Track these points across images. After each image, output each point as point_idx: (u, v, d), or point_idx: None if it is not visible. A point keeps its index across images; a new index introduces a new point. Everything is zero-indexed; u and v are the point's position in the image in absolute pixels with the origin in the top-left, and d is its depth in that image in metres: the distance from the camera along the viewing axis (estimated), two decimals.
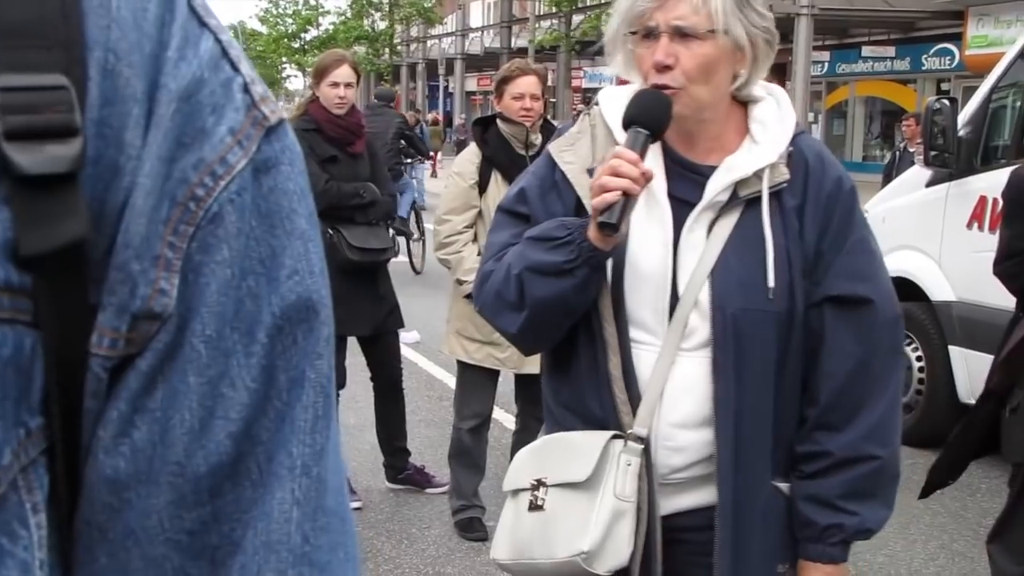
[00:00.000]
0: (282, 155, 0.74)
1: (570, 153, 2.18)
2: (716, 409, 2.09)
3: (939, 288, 6.72)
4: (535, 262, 2.07)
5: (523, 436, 5.44)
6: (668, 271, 2.10)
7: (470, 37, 50.07)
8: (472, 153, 5.18)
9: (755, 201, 2.09)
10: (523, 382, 5.29)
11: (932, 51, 28.79)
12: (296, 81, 61.35)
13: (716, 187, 2.09)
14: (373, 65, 44.92)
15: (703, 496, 2.16)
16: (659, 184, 2.11)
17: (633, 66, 2.12)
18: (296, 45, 46.83)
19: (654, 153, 2.11)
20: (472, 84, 54.15)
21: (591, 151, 2.16)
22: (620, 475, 2.09)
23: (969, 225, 6.27)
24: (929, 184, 6.81)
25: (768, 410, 2.11)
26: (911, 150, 11.66)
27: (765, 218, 2.07)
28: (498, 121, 5.11)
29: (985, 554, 4.30)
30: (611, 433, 2.11)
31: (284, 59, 50.10)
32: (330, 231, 5.33)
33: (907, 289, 7.02)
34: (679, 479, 2.16)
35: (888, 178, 11.46)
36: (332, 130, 5.43)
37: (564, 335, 2.17)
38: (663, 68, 2.03)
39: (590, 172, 2.09)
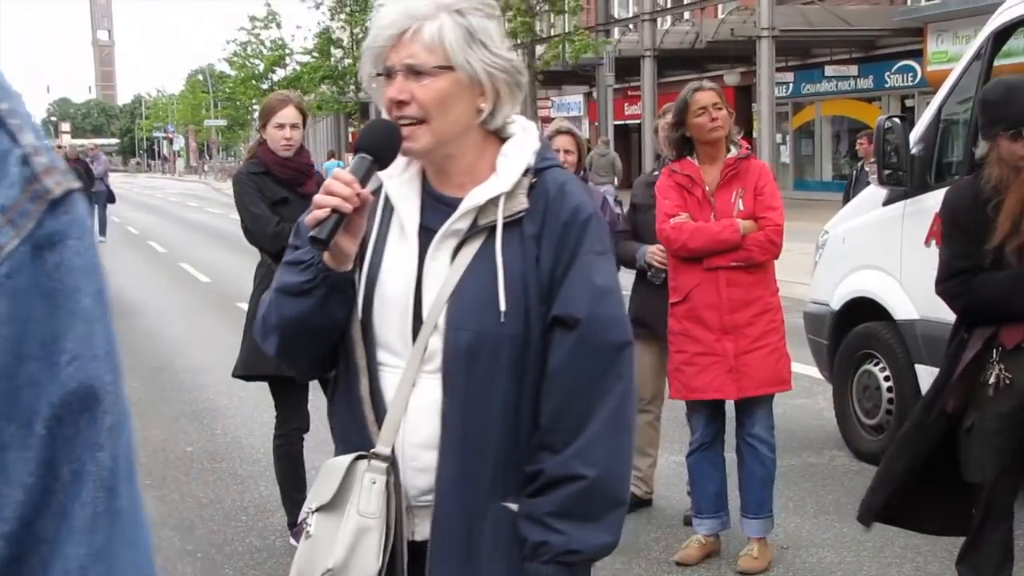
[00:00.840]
0: (70, 229, 0.70)
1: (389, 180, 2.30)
2: (443, 433, 2.16)
3: (902, 307, 6.69)
4: (283, 283, 2.20)
5: None
6: (411, 295, 2.19)
7: None
8: None
9: (496, 229, 2.19)
10: None
11: (894, 68, 29.01)
12: None
13: (455, 215, 2.19)
14: (339, 104, 44.86)
15: None
16: (411, 215, 2.23)
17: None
18: (265, 86, 46.74)
19: (412, 187, 2.25)
20: None
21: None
22: (364, 493, 2.17)
23: (927, 243, 6.23)
24: (886, 203, 6.78)
25: (497, 430, 2.17)
26: (867, 169, 11.68)
27: (497, 244, 2.17)
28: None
29: None
30: (355, 454, 2.19)
31: (253, 100, 50.03)
32: None
33: (871, 309, 7.03)
34: (427, 501, 2.20)
35: (847, 197, 11.48)
36: (281, 172, 5.41)
37: (319, 360, 2.31)
38: (399, 104, 2.13)
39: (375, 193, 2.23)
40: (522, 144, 2.25)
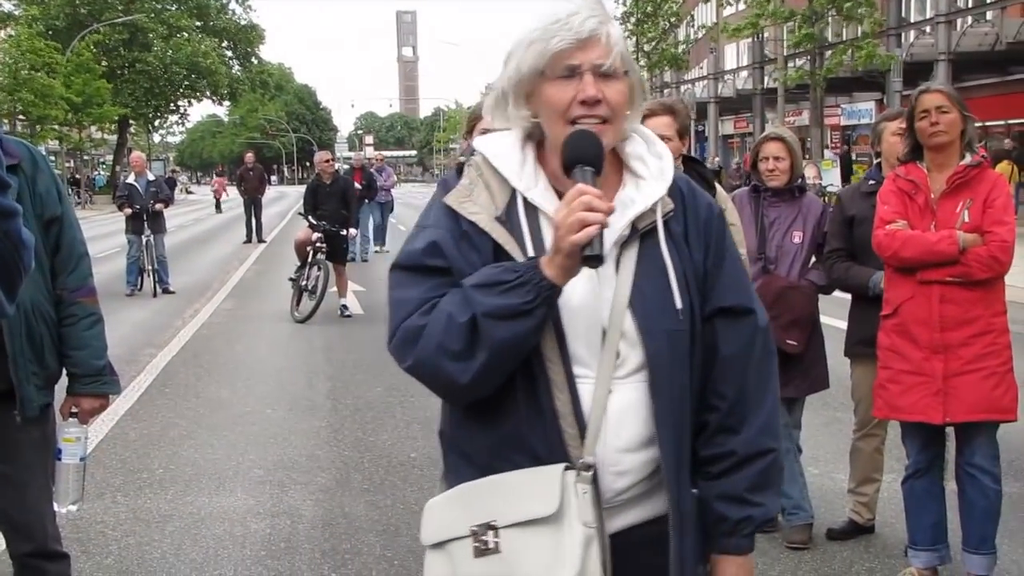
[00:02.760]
0: None
1: (471, 204, 2.25)
2: (659, 429, 2.23)
3: None
4: (493, 307, 2.10)
5: None
6: (597, 305, 2.21)
7: (724, 80, 49.58)
8: None
9: (649, 231, 2.26)
10: None
11: None
12: None
13: (621, 223, 2.22)
14: None
15: (641, 512, 2.31)
16: None
17: (534, 109, 2.24)
18: None
19: (551, 197, 2.25)
20: (728, 127, 53.62)
21: (490, 199, 2.26)
22: (581, 504, 2.17)
23: None
24: None
25: (689, 422, 2.30)
26: None
27: (663, 246, 2.26)
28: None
29: None
30: (562, 466, 2.18)
31: None
32: None
33: None
34: (620, 500, 2.27)
35: None
36: None
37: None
38: (594, 102, 2.17)
39: (498, 220, 2.22)
40: (652, 147, 2.32)
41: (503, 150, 2.28)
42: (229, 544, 5.87)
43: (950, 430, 4.96)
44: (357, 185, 22.18)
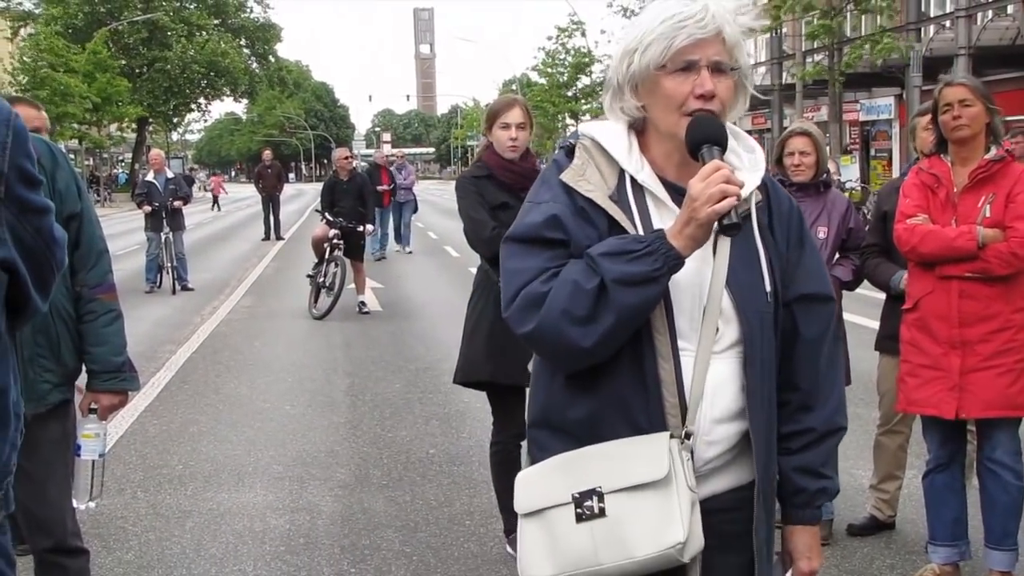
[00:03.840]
0: None
1: (585, 183, 2.38)
2: (749, 401, 2.38)
3: None
4: (623, 273, 2.23)
5: None
6: (705, 282, 2.35)
7: None
8: None
9: (743, 219, 2.34)
10: None
11: None
12: (572, 129, 62.16)
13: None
14: None
15: (723, 482, 2.42)
16: (674, 207, 2.36)
17: (650, 100, 2.36)
18: (569, 94, 47.41)
19: (656, 180, 2.40)
20: (746, 123, 53.47)
21: (602, 179, 2.39)
22: (687, 469, 2.29)
23: None
24: None
25: (775, 398, 2.46)
26: None
27: (756, 233, 2.42)
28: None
29: None
30: (667, 433, 2.30)
31: (558, 109, 50.86)
32: (498, 281, 5.23)
33: None
34: (707, 469, 2.38)
35: None
36: (504, 176, 5.35)
37: None
38: (710, 96, 2.30)
39: (611, 198, 2.35)
40: (741, 141, 2.45)
41: (612, 135, 2.42)
42: (249, 540, 5.88)
43: (972, 426, 4.92)
44: (384, 185, 22.21)
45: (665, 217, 2.35)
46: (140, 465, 7.37)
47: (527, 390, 5.12)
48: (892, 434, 5.81)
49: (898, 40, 30.59)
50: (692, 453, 2.32)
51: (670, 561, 2.27)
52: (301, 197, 61.97)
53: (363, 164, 23.01)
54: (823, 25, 30.21)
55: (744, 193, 2.30)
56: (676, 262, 2.24)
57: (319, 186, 16.17)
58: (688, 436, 2.31)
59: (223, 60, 65.78)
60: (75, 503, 3.95)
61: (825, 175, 5.81)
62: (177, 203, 17.38)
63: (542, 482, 2.38)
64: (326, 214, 14.65)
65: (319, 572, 5.41)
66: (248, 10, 72.37)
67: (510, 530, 5.54)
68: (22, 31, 57.78)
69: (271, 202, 29.26)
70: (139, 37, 63.72)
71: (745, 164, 2.41)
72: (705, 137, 2.29)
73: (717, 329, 2.34)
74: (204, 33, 66.37)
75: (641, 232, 2.31)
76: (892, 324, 5.50)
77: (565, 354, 2.31)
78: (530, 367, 2.60)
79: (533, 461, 2.44)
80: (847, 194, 23.33)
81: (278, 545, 5.79)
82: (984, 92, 4.73)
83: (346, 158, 15.33)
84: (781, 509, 2.57)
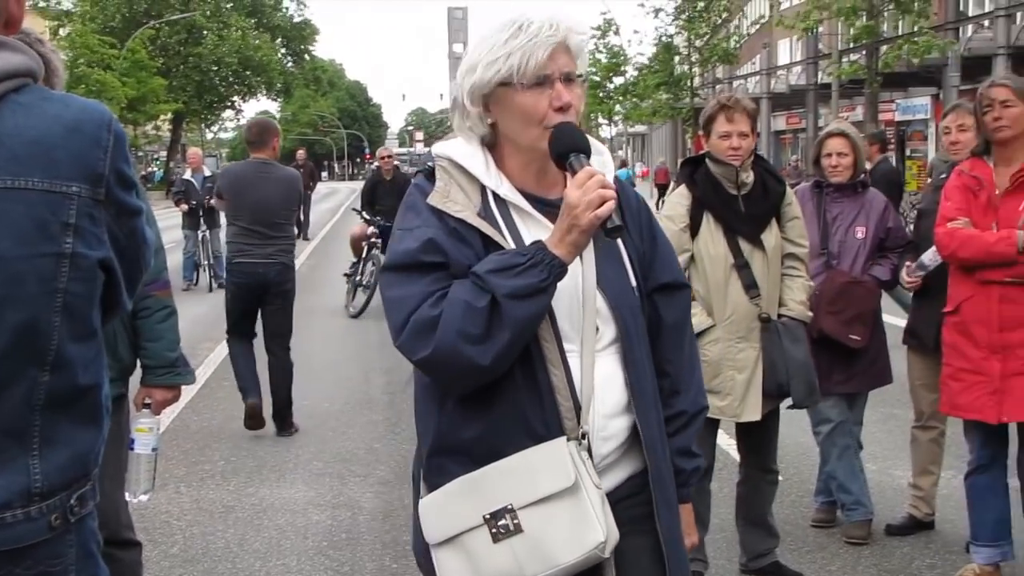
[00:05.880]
0: None
1: (452, 203, 2.40)
2: (635, 392, 2.46)
3: None
4: (514, 287, 2.26)
5: (747, 487, 5.19)
6: (578, 284, 2.41)
7: (776, 75, 49.21)
8: (681, 195, 5.00)
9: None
10: (745, 431, 5.05)
11: None
12: (605, 129, 61.97)
13: None
14: (674, 110, 44.87)
15: (622, 471, 2.51)
16: (541, 217, 2.43)
17: (504, 115, 2.40)
18: (601, 94, 47.24)
19: (516, 192, 2.45)
20: (780, 123, 53.23)
21: (467, 198, 2.42)
22: (588, 469, 2.35)
23: None
24: None
25: (656, 386, 2.56)
26: None
27: None
28: (707, 161, 4.93)
29: None
30: (563, 439, 2.34)
31: (588, 109, 50.75)
32: None
33: None
34: (605, 464, 2.46)
35: None
36: None
37: None
38: (567, 108, 2.36)
39: (479, 215, 2.39)
40: (593, 143, 2.47)
41: (467, 153, 2.46)
42: (292, 535, 5.95)
43: (1014, 426, 4.93)
44: None
45: (532, 228, 2.41)
46: (183, 461, 7.46)
47: None
48: (925, 429, 5.83)
49: (936, 39, 30.34)
50: (590, 451, 2.38)
51: (594, 560, 2.33)
52: (334, 195, 62.18)
53: (400, 162, 22.77)
54: (867, 27, 29.99)
55: None
56: (561, 270, 2.29)
57: (352, 184, 16.25)
58: (583, 436, 2.37)
59: (256, 55, 66.08)
60: (128, 496, 4.03)
61: (863, 175, 5.82)
62: (214, 201, 17.49)
63: (449, 508, 2.39)
64: (363, 213, 14.73)
65: (362, 567, 5.47)
66: (284, 9, 72.72)
67: None
68: (61, 31, 58.21)
69: (303, 201, 29.22)
70: (178, 37, 64.12)
71: (597, 167, 2.41)
72: (570, 146, 2.34)
73: (597, 328, 2.42)
74: (238, 30, 66.64)
75: (512, 246, 2.36)
76: (913, 320, 5.57)
77: (464, 374, 2.32)
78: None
79: (431, 488, 2.44)
80: None
81: (320, 540, 5.86)
82: None
83: (389, 156, 15.44)
84: None
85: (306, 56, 75.94)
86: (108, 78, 48.54)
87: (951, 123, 5.73)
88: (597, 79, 45.90)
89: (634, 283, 2.51)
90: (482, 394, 2.37)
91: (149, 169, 73.35)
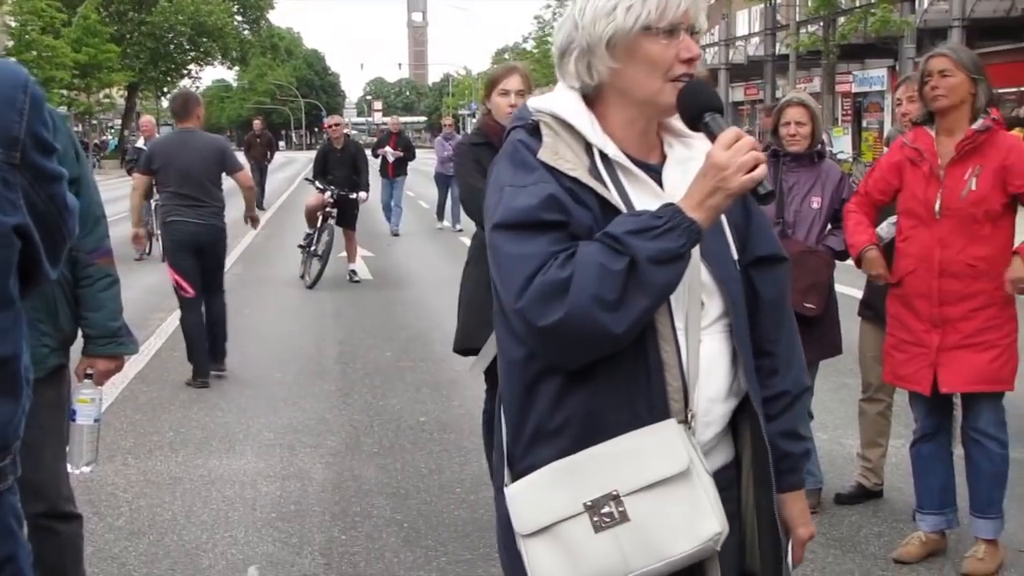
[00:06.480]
0: None
1: (564, 161, 2.21)
2: (746, 374, 2.30)
3: None
4: (656, 252, 2.08)
5: None
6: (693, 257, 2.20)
7: (735, 46, 49.28)
8: None
9: None
10: None
11: None
12: None
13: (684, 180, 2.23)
14: None
15: (715, 461, 2.30)
16: (651, 182, 2.27)
17: (627, 64, 2.21)
18: None
19: (620, 152, 2.25)
20: (739, 94, 53.35)
21: (575, 155, 2.23)
22: (699, 455, 2.18)
23: None
24: None
25: (754, 366, 2.37)
26: None
27: None
28: None
29: None
30: (674, 420, 2.16)
31: (548, 80, 50.60)
32: None
33: None
34: (704, 451, 2.24)
35: None
36: (501, 144, 5.36)
37: None
38: (692, 62, 2.22)
39: (590, 173, 2.21)
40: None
41: (573, 108, 2.26)
42: (240, 506, 5.91)
43: (958, 397, 4.97)
44: (392, 151, 21.56)
45: (640, 192, 2.23)
46: (131, 432, 7.38)
47: None
48: (872, 402, 5.87)
49: (892, 12, 30.47)
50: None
51: (707, 553, 2.15)
52: (292, 165, 61.77)
53: (353, 132, 22.35)
54: (825, 1, 30.09)
55: (697, 165, 2.22)
56: (698, 236, 2.12)
57: (310, 154, 16.10)
58: (691, 419, 2.19)
59: (209, 20, 65.29)
60: (70, 468, 3.96)
61: (820, 145, 5.82)
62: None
63: (542, 496, 2.18)
64: (317, 182, 14.61)
65: (310, 539, 5.43)
66: None
67: None
68: None
69: (260, 172, 28.95)
70: (131, 3, 63.26)
71: (689, 132, 2.32)
72: (706, 104, 2.21)
73: (702, 304, 2.24)
74: None
75: (624, 209, 2.18)
76: (870, 292, 5.59)
77: (592, 344, 2.11)
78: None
79: (519, 475, 2.24)
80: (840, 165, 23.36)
81: (269, 512, 5.82)
82: (969, 62, 4.70)
83: (337, 125, 15.23)
84: None
85: (262, 23, 75.12)
86: (59, 44, 47.84)
87: (903, 94, 5.77)
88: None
89: (735, 255, 2.34)
90: (585, 372, 2.17)
91: (103, 137, 72.52)
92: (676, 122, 2.31)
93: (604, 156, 2.23)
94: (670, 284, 2.11)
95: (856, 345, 5.94)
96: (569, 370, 2.18)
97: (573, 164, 2.20)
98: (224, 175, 9.27)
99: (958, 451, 5.06)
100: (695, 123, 2.23)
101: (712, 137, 2.18)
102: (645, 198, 2.21)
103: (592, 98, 2.29)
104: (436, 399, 8.17)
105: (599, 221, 2.16)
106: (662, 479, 2.11)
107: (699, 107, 2.21)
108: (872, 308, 5.61)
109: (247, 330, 11.24)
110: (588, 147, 2.24)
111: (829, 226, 5.71)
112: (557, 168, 2.19)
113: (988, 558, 4.87)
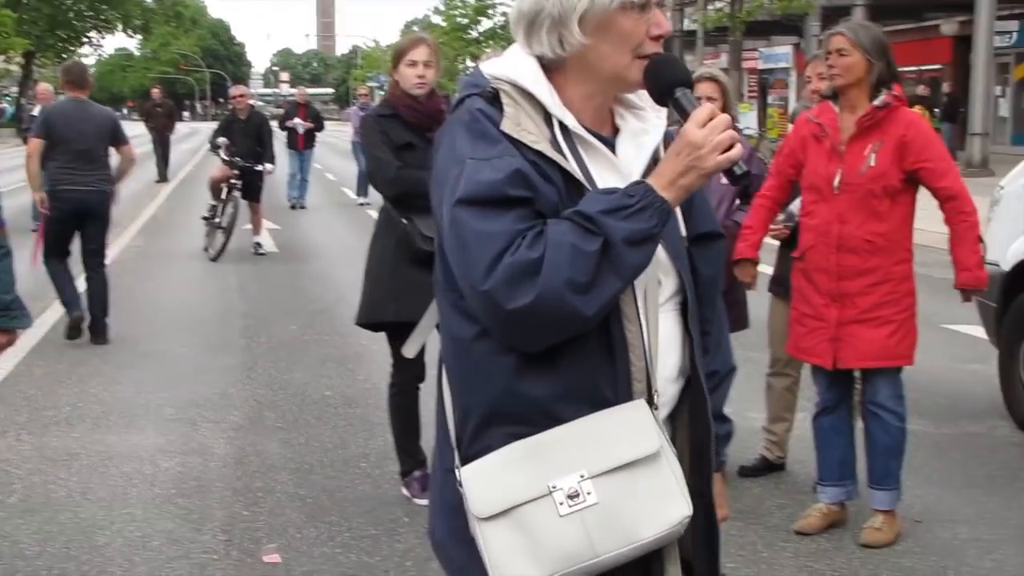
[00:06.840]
0: None
1: (527, 133, 2.09)
2: (695, 353, 2.23)
3: None
4: (630, 233, 2.00)
5: None
6: None
7: None
8: None
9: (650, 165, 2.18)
10: None
11: None
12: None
13: (646, 154, 2.19)
14: None
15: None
16: (611, 157, 2.18)
17: (598, 38, 2.11)
18: (467, 37, 47.08)
19: (577, 123, 2.15)
20: None
21: (536, 127, 2.12)
22: (667, 437, 2.12)
23: None
24: None
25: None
26: None
27: None
28: None
29: None
30: (642, 401, 2.10)
31: (458, 53, 50.50)
32: (403, 220, 5.18)
33: None
34: None
35: None
36: (410, 116, 5.31)
37: None
38: (661, 39, 2.14)
39: (552, 145, 2.11)
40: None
41: (533, 77, 2.15)
42: (138, 482, 5.78)
43: (859, 371, 5.03)
44: (302, 122, 21.13)
45: (599, 165, 2.14)
46: (25, 407, 7.19)
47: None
48: (780, 376, 5.92)
49: None
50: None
51: (674, 537, 2.09)
52: (195, 136, 60.81)
53: (259, 103, 21.95)
54: None
55: (657, 135, 2.21)
56: (668, 216, 2.05)
57: (214, 125, 15.79)
58: (656, 399, 2.13)
59: None
60: None
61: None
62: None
63: (502, 477, 2.07)
64: (221, 152, 14.32)
65: (211, 515, 5.33)
66: None
67: (406, 472, 5.53)
68: None
69: (162, 144, 28.29)
70: None
71: (645, 102, 2.24)
72: (676, 80, 2.14)
73: (659, 281, 2.17)
74: None
75: (587, 184, 2.09)
76: (780, 268, 5.63)
77: (560, 327, 2.03)
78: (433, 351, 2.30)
79: (472, 458, 2.12)
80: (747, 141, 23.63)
81: (169, 488, 5.70)
82: (867, 41, 4.72)
83: (242, 95, 14.97)
84: None
85: None
86: None
87: (811, 71, 5.86)
88: (465, 22, 45.63)
89: (684, 231, 2.26)
90: (545, 352, 2.07)
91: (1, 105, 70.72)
92: (641, 96, 2.25)
93: (564, 128, 2.14)
94: (642, 265, 2.05)
95: (764, 320, 5.99)
96: (526, 354, 2.08)
97: (536, 136, 2.09)
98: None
99: (858, 424, 5.12)
100: (664, 98, 2.16)
101: (683, 113, 2.11)
102: (604, 173, 2.14)
103: (551, 67, 2.17)
104: (341, 373, 8.08)
105: (564, 197, 2.07)
106: (632, 460, 2.05)
107: (668, 82, 2.15)
108: (782, 284, 5.64)
109: (149, 303, 11.04)
110: (548, 118, 2.14)
111: (737, 201, 5.73)
112: (520, 140, 2.08)
113: (886, 528, 4.95)
